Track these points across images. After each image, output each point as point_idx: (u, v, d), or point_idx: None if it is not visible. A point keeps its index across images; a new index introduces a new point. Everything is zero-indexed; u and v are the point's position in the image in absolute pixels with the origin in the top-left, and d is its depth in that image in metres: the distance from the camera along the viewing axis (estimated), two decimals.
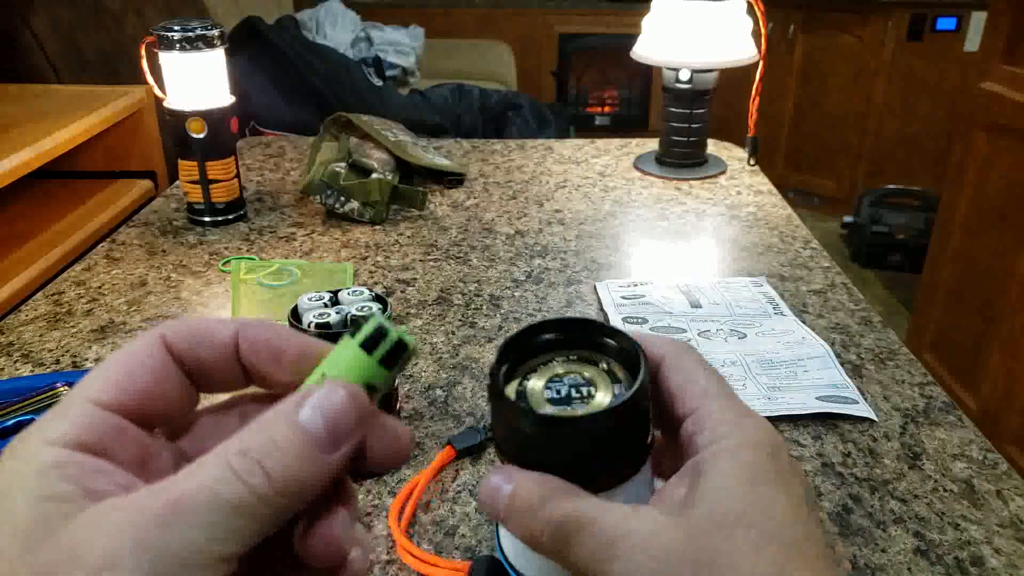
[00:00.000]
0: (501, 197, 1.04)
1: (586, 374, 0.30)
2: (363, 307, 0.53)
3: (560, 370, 0.30)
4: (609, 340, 0.30)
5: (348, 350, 0.24)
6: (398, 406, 0.61)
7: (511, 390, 0.29)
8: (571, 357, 0.31)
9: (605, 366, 0.30)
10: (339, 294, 0.54)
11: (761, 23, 1.06)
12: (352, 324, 0.25)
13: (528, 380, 0.30)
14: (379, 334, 0.24)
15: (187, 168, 0.92)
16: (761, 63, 1.08)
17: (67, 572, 0.19)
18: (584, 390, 0.29)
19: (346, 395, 0.23)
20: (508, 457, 0.29)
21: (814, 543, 0.25)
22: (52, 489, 0.20)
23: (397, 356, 0.24)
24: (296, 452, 0.21)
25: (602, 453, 0.27)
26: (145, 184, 1.29)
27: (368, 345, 0.24)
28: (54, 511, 0.20)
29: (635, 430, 0.28)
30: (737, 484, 0.25)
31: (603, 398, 0.29)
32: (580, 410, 0.28)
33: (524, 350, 0.31)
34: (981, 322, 1.71)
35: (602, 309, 0.76)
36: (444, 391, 0.64)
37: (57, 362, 0.68)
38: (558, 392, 0.29)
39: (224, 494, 0.20)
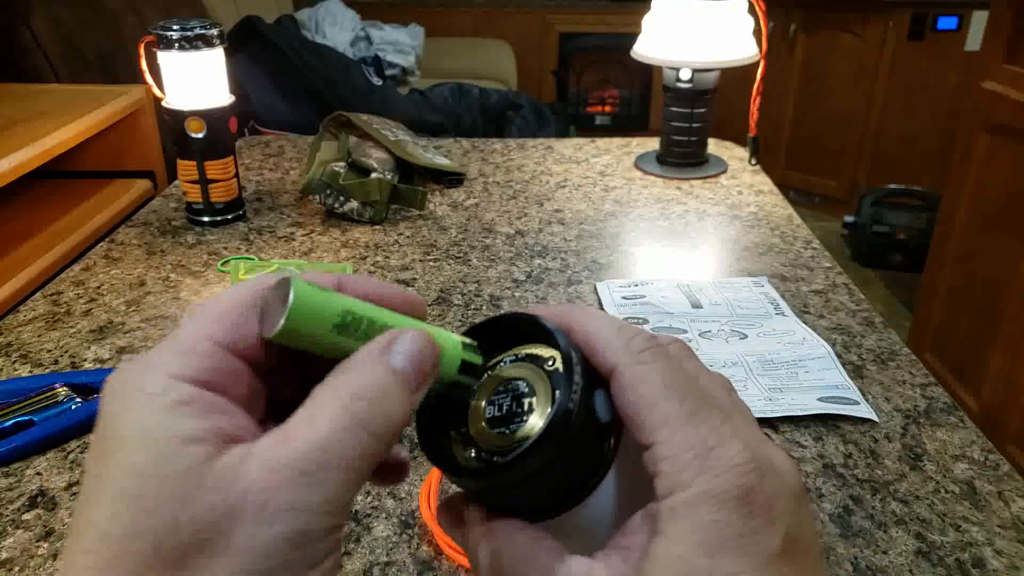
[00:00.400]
0: (501, 197, 1.04)
1: (530, 380, 0.26)
2: None
3: (503, 377, 0.27)
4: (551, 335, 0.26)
5: (450, 342, 0.26)
6: None
7: (455, 411, 0.27)
8: (520, 355, 0.27)
9: (551, 364, 0.26)
10: None
11: (762, 22, 1.06)
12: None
13: (472, 396, 0.27)
14: (474, 355, 0.27)
15: (186, 168, 0.91)
16: (762, 62, 1.08)
17: (230, 527, 0.20)
18: (526, 403, 0.25)
19: (427, 341, 0.24)
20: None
21: None
22: (188, 430, 0.21)
23: (470, 372, 0.26)
24: (398, 396, 0.23)
25: (537, 493, 0.25)
26: (144, 184, 1.28)
27: (466, 367, 0.26)
28: (197, 456, 0.20)
29: (565, 463, 0.25)
30: (695, 554, 0.22)
31: (536, 419, 0.25)
32: (508, 439, 0.25)
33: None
34: (982, 322, 1.70)
35: (602, 310, 0.76)
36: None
37: (56, 362, 0.67)
38: (500, 408, 0.26)
39: (354, 444, 0.22)
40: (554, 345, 0.26)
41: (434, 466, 0.26)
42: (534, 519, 0.25)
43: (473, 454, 0.26)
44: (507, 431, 0.25)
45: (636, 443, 0.26)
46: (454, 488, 0.27)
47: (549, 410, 0.25)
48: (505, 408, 0.26)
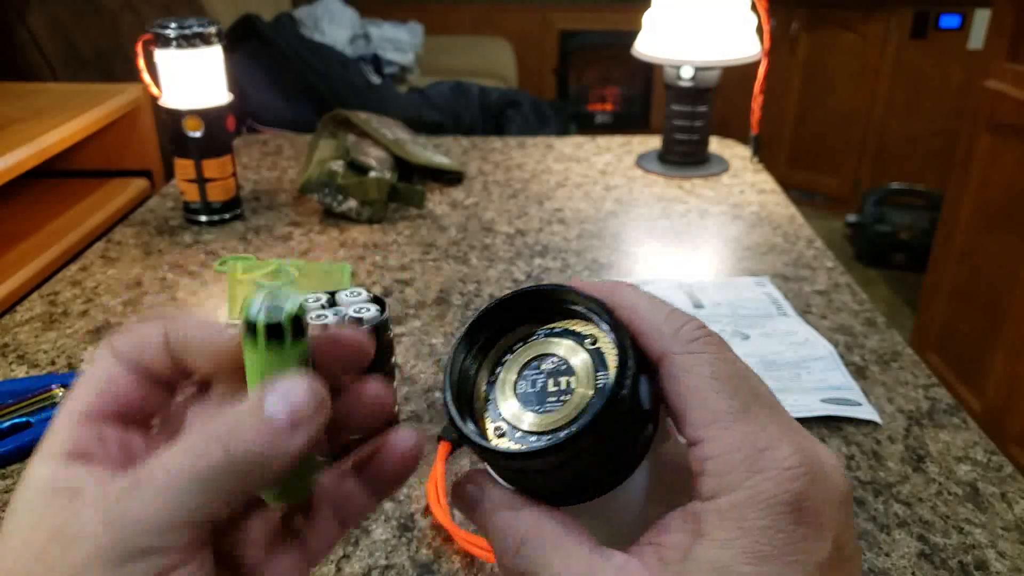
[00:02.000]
0: (501, 196, 1.03)
1: (568, 357, 0.25)
2: (360, 308, 0.52)
3: (536, 351, 0.25)
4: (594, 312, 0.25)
5: (256, 354, 0.24)
6: (396, 408, 0.60)
7: (481, 383, 0.26)
8: (555, 329, 0.25)
9: (591, 342, 0.24)
10: (337, 295, 0.54)
11: (764, 20, 1.05)
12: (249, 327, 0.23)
13: (501, 368, 0.26)
14: (276, 329, 0.23)
15: (183, 167, 0.91)
16: (764, 60, 1.07)
17: (60, 552, 0.21)
18: (563, 381, 0.24)
19: (307, 388, 0.24)
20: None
21: None
22: (50, 502, 0.23)
23: (301, 326, 0.24)
24: (256, 435, 0.23)
25: (571, 478, 0.24)
26: (141, 183, 1.27)
27: (272, 337, 0.23)
28: (58, 509, 0.22)
29: (605, 450, 0.23)
30: (740, 560, 0.21)
31: (580, 399, 0.24)
32: (551, 420, 0.24)
33: (496, 324, 0.26)
34: (986, 322, 1.70)
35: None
36: (443, 393, 0.63)
37: (52, 363, 0.67)
38: (533, 384, 0.25)
39: (180, 465, 0.22)
40: (598, 323, 0.25)
41: (463, 443, 0.25)
42: (559, 503, 0.24)
43: (502, 431, 0.24)
44: (542, 410, 0.24)
45: (669, 433, 0.25)
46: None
47: (593, 393, 0.24)
48: (540, 385, 0.24)
